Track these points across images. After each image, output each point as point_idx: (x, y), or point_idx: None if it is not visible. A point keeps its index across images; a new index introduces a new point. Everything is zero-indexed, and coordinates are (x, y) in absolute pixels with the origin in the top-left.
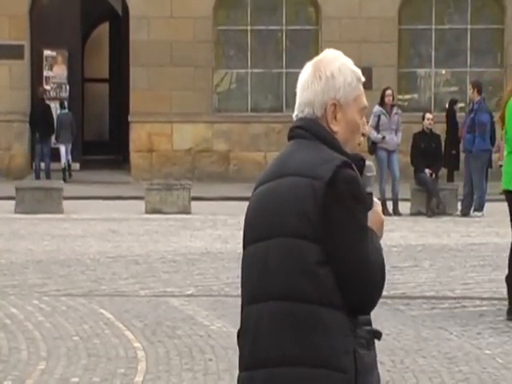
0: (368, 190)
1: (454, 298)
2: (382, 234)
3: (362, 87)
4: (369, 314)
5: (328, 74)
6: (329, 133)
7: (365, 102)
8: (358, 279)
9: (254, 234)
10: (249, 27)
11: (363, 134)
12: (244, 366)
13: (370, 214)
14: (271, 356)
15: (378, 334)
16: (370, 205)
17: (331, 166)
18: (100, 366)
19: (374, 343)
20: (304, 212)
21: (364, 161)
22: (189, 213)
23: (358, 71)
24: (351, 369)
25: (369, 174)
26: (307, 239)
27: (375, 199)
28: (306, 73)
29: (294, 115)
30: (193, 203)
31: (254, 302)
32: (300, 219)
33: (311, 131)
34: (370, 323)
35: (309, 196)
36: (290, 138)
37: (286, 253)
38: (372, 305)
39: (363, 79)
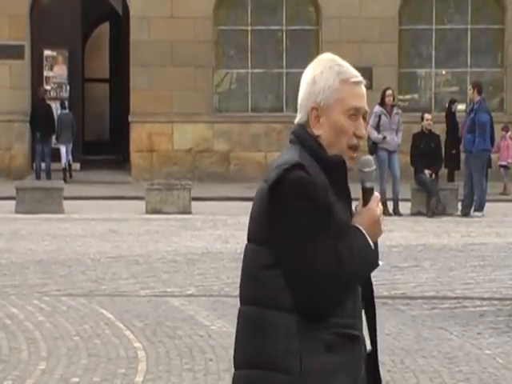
0: (367, 185)
1: (455, 298)
2: (378, 231)
3: (353, 89)
4: (321, 316)
5: (310, 80)
6: (310, 137)
7: (353, 103)
8: (303, 281)
9: None
10: (249, 27)
11: (358, 136)
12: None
13: (364, 210)
14: (237, 359)
15: (351, 337)
16: (366, 201)
17: (279, 169)
18: (100, 366)
19: (349, 347)
20: (256, 216)
21: (344, 162)
22: (189, 213)
23: (348, 74)
24: (295, 370)
25: (367, 170)
26: (258, 243)
27: (376, 194)
28: (303, 75)
29: None
30: (193, 203)
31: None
32: (254, 223)
33: (297, 136)
34: (349, 326)
35: (259, 200)
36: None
37: (246, 257)
38: (322, 307)
39: (355, 80)
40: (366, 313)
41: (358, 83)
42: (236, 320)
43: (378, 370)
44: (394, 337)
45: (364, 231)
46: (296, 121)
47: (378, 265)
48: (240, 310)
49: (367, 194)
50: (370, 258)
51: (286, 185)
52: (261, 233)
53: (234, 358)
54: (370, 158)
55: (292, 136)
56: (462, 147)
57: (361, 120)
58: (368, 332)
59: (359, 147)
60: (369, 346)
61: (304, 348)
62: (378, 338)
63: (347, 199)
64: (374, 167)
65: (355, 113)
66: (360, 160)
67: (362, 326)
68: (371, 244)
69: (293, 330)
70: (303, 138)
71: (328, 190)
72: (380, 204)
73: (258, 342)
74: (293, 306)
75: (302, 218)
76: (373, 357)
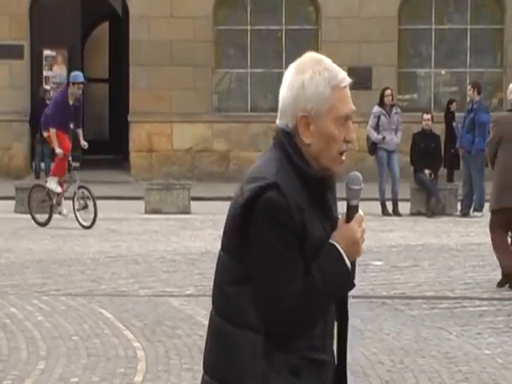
0: (353, 202)
1: (454, 298)
2: (356, 251)
3: (343, 94)
4: (286, 339)
5: (298, 84)
6: (294, 147)
7: (344, 110)
8: (265, 304)
9: None
10: (248, 27)
11: (348, 141)
12: None
13: (344, 228)
14: (205, 363)
15: (318, 364)
16: (350, 217)
17: (255, 185)
18: (99, 365)
19: (314, 371)
20: (230, 231)
21: (324, 179)
22: (188, 213)
23: (338, 79)
24: None
25: (354, 187)
26: (230, 255)
27: (360, 213)
28: (286, 76)
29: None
30: (192, 203)
31: None
32: (228, 234)
33: (278, 139)
34: (316, 349)
35: (233, 211)
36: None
37: (218, 266)
38: (288, 331)
39: (344, 84)
40: (337, 325)
41: (346, 87)
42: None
43: None
44: (394, 337)
45: (341, 250)
46: (279, 125)
47: (353, 285)
48: (211, 313)
49: (351, 212)
50: (345, 280)
51: (259, 205)
52: (232, 247)
53: (204, 360)
54: (358, 174)
55: (274, 140)
56: (457, 145)
57: (350, 124)
58: (336, 346)
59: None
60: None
61: (270, 371)
62: (377, 338)
63: (327, 212)
64: (362, 186)
65: (344, 120)
66: (349, 176)
67: (332, 345)
68: (347, 264)
69: (259, 352)
70: (287, 147)
71: (304, 211)
72: (363, 225)
73: (223, 358)
74: (260, 326)
75: (271, 243)
76: (339, 372)
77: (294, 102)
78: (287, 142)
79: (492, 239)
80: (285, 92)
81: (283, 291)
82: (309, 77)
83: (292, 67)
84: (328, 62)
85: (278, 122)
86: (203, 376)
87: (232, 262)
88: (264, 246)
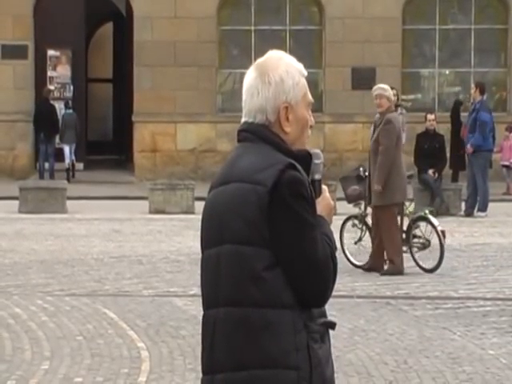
0: (316, 176)
1: (458, 298)
2: (332, 218)
3: (306, 82)
4: (324, 303)
5: (277, 79)
6: (275, 134)
7: (310, 96)
8: (310, 277)
9: (206, 239)
10: (252, 27)
11: (311, 126)
12: (204, 370)
13: (319, 200)
14: (226, 361)
15: (331, 325)
16: (318, 192)
17: (274, 170)
18: (103, 365)
19: (328, 334)
20: (251, 219)
21: (311, 155)
22: (192, 213)
23: (301, 66)
24: (304, 365)
25: (317, 161)
26: (255, 245)
27: (323, 186)
28: (251, 77)
29: (242, 121)
30: (196, 203)
31: (211, 307)
32: (247, 226)
33: (256, 134)
34: (324, 315)
35: (254, 202)
36: (238, 141)
37: (234, 260)
38: (326, 298)
39: (305, 73)
40: None
41: None
42: None
43: None
44: (397, 337)
45: (326, 218)
46: (254, 121)
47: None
48: (229, 312)
49: (317, 185)
50: (335, 243)
51: (285, 186)
52: (258, 234)
53: (211, 361)
54: (319, 151)
55: (248, 134)
56: (467, 148)
57: (310, 111)
58: None
59: None
60: None
61: (310, 341)
62: (381, 338)
63: None
64: (322, 159)
65: (310, 107)
66: (312, 153)
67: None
68: (331, 229)
69: (300, 326)
70: (267, 136)
71: (309, 186)
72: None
73: (259, 343)
74: (294, 302)
75: (304, 218)
76: None
77: (275, 97)
78: (271, 134)
79: (394, 233)
80: (260, 90)
81: (317, 255)
82: (285, 70)
83: (257, 69)
84: (287, 55)
85: (251, 120)
86: (213, 376)
87: (260, 249)
88: (298, 219)
